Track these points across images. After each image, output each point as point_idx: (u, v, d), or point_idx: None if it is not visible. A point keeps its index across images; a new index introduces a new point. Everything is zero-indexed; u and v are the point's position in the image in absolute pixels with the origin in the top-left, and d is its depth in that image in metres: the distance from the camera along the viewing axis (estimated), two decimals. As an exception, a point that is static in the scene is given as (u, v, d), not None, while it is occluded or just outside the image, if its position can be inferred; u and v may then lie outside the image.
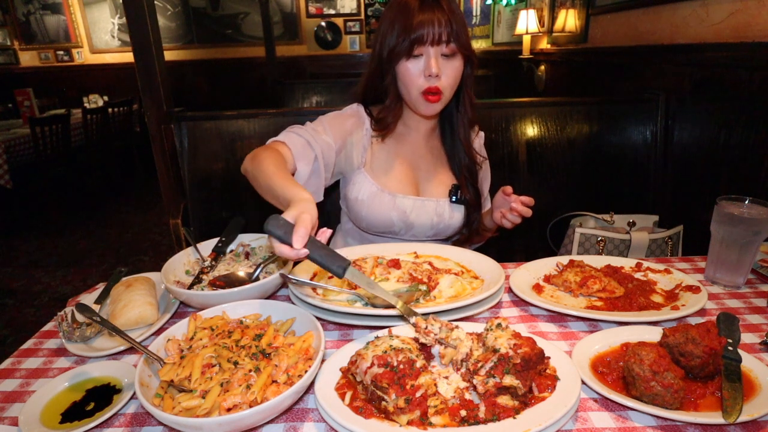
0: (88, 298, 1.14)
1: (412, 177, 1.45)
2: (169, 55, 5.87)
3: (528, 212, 1.27)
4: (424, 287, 1.07)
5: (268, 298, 1.11)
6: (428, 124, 1.45)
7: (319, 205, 1.43)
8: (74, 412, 0.80)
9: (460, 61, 1.29)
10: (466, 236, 1.49)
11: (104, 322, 0.91)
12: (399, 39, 1.25)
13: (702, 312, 1.05)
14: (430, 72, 1.24)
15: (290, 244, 0.84)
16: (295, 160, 1.27)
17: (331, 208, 1.65)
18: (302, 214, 0.87)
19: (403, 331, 0.93)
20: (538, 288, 1.15)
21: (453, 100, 1.40)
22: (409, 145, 1.47)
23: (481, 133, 1.57)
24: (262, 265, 1.17)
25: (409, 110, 1.40)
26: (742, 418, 0.70)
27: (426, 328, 0.87)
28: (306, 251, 0.86)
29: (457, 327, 0.89)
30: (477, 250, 1.42)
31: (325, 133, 1.34)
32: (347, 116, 1.42)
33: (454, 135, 1.45)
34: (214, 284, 1.13)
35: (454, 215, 1.45)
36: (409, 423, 0.72)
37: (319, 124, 1.37)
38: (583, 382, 0.80)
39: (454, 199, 1.43)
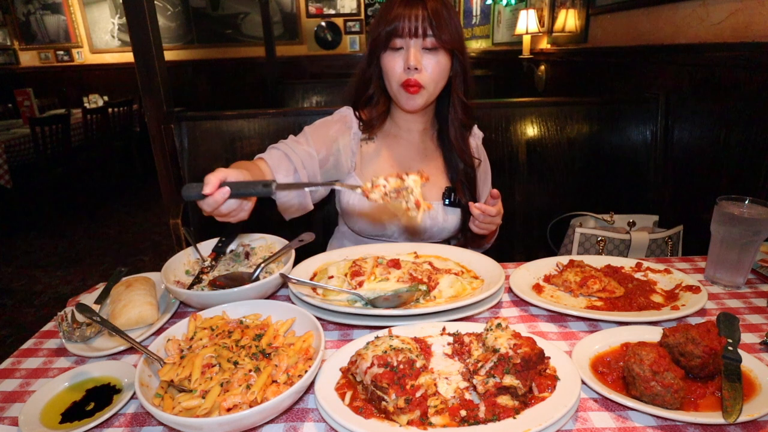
0: (88, 298, 1.14)
1: None
2: (169, 55, 5.88)
3: (491, 210, 1.25)
4: (424, 287, 1.07)
5: (268, 298, 1.11)
6: (420, 124, 1.44)
7: (319, 207, 1.45)
8: (74, 412, 0.80)
9: (444, 56, 1.28)
10: (462, 242, 1.47)
11: (104, 322, 0.91)
12: (380, 30, 1.27)
13: (702, 312, 1.05)
14: (408, 64, 1.25)
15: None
16: (273, 172, 1.27)
17: (331, 210, 1.65)
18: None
19: (403, 331, 0.93)
20: (538, 288, 1.15)
21: (444, 99, 1.39)
22: (401, 147, 1.45)
23: (479, 133, 1.54)
24: (262, 265, 1.17)
25: (399, 109, 1.40)
26: (742, 418, 0.70)
27: (373, 185, 0.87)
28: (225, 190, 0.92)
29: (407, 175, 0.89)
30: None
31: (307, 143, 1.34)
32: (332, 123, 1.41)
33: (447, 136, 1.44)
34: (214, 284, 1.12)
35: (448, 218, 1.42)
36: (409, 423, 0.72)
37: (302, 135, 1.37)
38: (583, 382, 0.80)
39: (447, 201, 1.41)
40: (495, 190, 1.28)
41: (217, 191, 0.92)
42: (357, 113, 1.43)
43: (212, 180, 0.92)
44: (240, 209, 1.02)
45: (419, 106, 1.33)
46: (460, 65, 1.34)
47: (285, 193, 1.30)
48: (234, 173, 0.97)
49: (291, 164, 1.29)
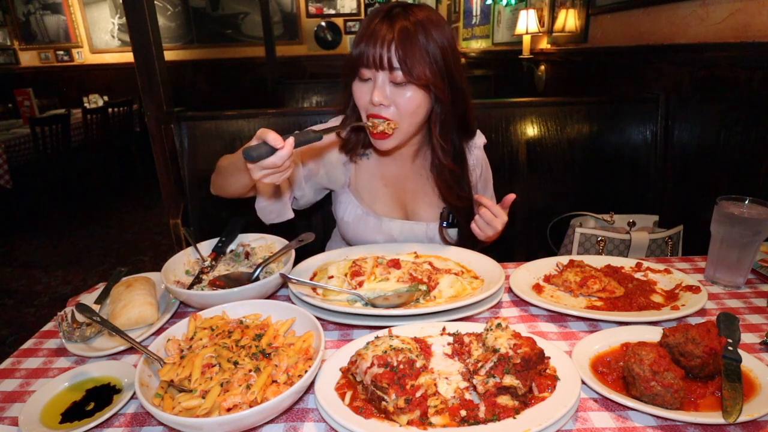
0: (88, 298, 1.14)
1: (399, 199, 1.38)
2: (169, 55, 5.84)
3: (491, 215, 1.20)
4: (424, 287, 1.07)
5: (268, 298, 1.11)
6: (411, 146, 1.34)
7: (318, 207, 1.44)
8: (74, 412, 0.80)
9: (417, 92, 1.13)
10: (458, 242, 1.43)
11: (104, 322, 0.91)
12: (350, 55, 1.16)
13: (702, 312, 1.05)
14: (372, 100, 1.13)
15: (275, 151, 0.92)
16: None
17: (329, 210, 1.65)
18: (260, 131, 0.95)
19: (403, 331, 0.93)
20: (538, 288, 1.15)
21: (427, 137, 1.29)
22: (395, 166, 1.37)
23: (480, 142, 1.42)
24: (262, 265, 1.17)
25: None
26: (742, 418, 0.70)
27: (373, 125, 1.12)
28: (291, 140, 0.93)
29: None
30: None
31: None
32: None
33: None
34: (214, 284, 1.13)
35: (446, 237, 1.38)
36: (409, 423, 0.72)
37: None
38: (583, 382, 0.80)
39: (445, 224, 1.34)
40: (509, 197, 1.22)
41: (286, 143, 0.93)
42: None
43: (275, 136, 0.92)
44: (291, 164, 1.01)
45: (388, 147, 1.21)
46: (441, 103, 1.18)
47: (266, 199, 1.30)
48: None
49: None
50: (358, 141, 1.32)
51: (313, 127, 1.43)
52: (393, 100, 1.14)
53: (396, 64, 1.09)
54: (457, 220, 1.34)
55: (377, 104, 1.13)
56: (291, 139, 0.93)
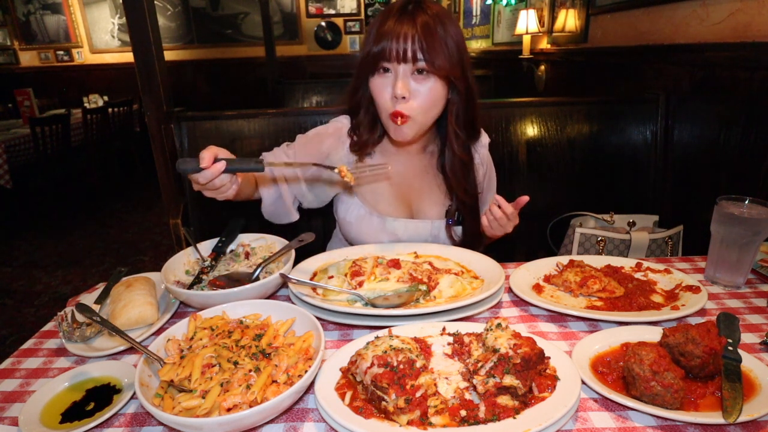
0: (88, 298, 1.14)
1: (403, 197, 1.38)
2: (169, 55, 5.84)
3: (502, 214, 1.21)
4: (424, 287, 1.07)
5: (268, 298, 1.11)
6: (420, 143, 1.35)
7: (318, 208, 1.44)
8: (74, 412, 0.80)
9: (437, 83, 1.16)
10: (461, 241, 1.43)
11: (104, 322, 0.91)
12: (367, 50, 1.17)
13: (702, 312, 1.05)
14: (395, 93, 1.15)
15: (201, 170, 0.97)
16: (258, 182, 1.30)
17: (330, 210, 1.65)
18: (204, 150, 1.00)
19: (403, 331, 0.93)
20: (538, 288, 1.15)
21: (445, 119, 1.29)
22: (399, 164, 1.37)
23: (485, 140, 1.43)
24: (262, 265, 1.17)
25: None
26: (742, 418, 0.70)
27: (341, 172, 1.11)
28: (221, 164, 0.98)
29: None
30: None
31: (295, 156, 1.31)
32: (326, 135, 1.35)
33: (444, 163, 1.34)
34: (214, 284, 1.13)
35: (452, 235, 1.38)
36: (409, 423, 0.72)
37: (291, 148, 1.34)
38: (583, 382, 0.80)
39: (450, 221, 1.35)
40: (523, 199, 1.21)
41: (213, 165, 0.97)
42: (352, 132, 1.35)
43: (207, 155, 0.98)
44: (229, 185, 1.06)
45: (408, 137, 1.22)
46: (458, 94, 1.22)
47: (270, 201, 1.32)
48: (224, 151, 1.02)
49: (271, 176, 1.30)
50: (370, 138, 1.32)
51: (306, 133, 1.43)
52: (414, 92, 1.16)
53: (420, 56, 1.12)
54: (463, 217, 1.35)
55: (399, 96, 1.15)
56: (220, 164, 0.98)
